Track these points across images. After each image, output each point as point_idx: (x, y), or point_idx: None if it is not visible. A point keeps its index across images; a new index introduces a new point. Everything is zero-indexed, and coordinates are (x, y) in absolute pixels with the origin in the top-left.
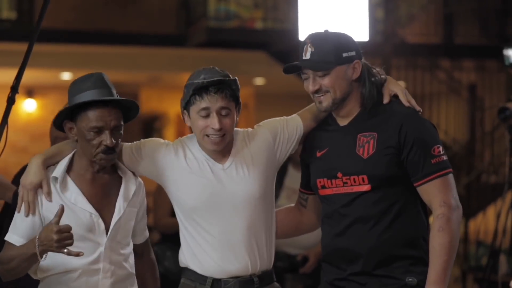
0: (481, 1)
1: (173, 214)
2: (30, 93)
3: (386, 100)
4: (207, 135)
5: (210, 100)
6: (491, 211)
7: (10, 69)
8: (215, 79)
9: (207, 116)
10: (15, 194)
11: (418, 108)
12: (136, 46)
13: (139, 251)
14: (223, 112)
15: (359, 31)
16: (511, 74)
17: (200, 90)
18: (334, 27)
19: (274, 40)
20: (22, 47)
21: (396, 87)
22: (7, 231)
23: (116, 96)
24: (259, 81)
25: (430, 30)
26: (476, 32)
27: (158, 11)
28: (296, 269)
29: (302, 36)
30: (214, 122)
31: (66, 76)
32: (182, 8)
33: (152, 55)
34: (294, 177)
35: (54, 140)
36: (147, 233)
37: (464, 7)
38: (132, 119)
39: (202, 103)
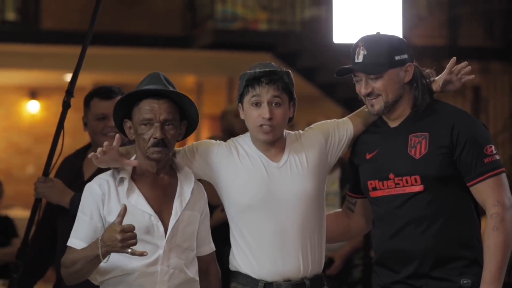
0: (485, 3)
1: None
2: (33, 95)
3: (436, 89)
4: (260, 126)
5: (261, 90)
6: None
7: (14, 70)
8: (267, 69)
9: (259, 105)
10: (73, 200)
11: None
12: (141, 48)
13: (203, 266)
14: (275, 103)
15: (392, 31)
16: None
17: (252, 81)
18: (368, 28)
19: (279, 42)
20: (27, 48)
21: (441, 77)
22: (61, 234)
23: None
24: None
25: (435, 32)
26: (481, 34)
27: (164, 12)
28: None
29: (336, 38)
30: (265, 111)
31: (70, 77)
32: (188, 9)
33: (157, 57)
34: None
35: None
36: (212, 246)
37: (469, 9)
38: (195, 125)
39: (254, 92)
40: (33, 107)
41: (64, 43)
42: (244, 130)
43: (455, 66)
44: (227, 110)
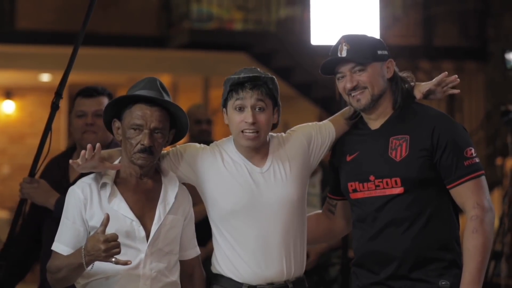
0: (460, 3)
1: None
2: (8, 95)
3: (418, 96)
4: (242, 131)
5: (245, 95)
6: None
7: None
8: (251, 75)
9: (242, 110)
10: (58, 202)
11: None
12: (117, 48)
13: (189, 269)
14: (258, 108)
15: (370, 32)
16: None
17: (236, 86)
18: (345, 29)
19: (254, 42)
20: (2, 48)
21: (427, 84)
22: (47, 236)
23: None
24: None
25: (410, 32)
26: (455, 33)
27: (140, 12)
28: None
29: (314, 40)
30: (248, 116)
31: (45, 77)
32: (163, 9)
33: (133, 57)
34: None
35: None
36: (198, 250)
37: (443, 9)
38: (184, 134)
39: (238, 97)
40: (8, 107)
41: (39, 43)
42: (201, 135)
43: (445, 79)
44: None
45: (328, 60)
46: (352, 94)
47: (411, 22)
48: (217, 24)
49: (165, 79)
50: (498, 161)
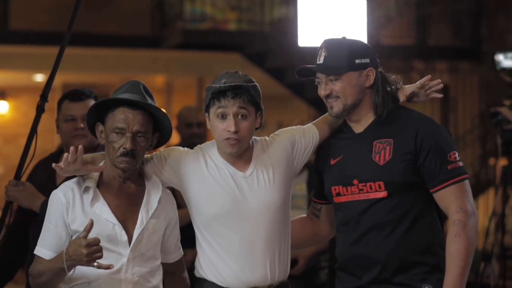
0: (454, 3)
1: None
2: (2, 95)
3: (401, 99)
4: (225, 139)
5: (227, 104)
6: None
7: None
8: (233, 84)
9: (225, 118)
10: (43, 205)
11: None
12: (110, 48)
13: (171, 269)
14: (241, 115)
15: (357, 34)
16: (503, 78)
17: (218, 94)
18: (332, 30)
19: (248, 42)
20: None
21: (410, 87)
22: (33, 238)
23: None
24: None
25: (404, 32)
26: (450, 33)
27: (133, 12)
28: None
29: (301, 42)
30: (230, 124)
31: (39, 78)
32: (157, 10)
33: (127, 57)
34: None
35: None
36: (181, 251)
37: (437, 9)
38: (168, 138)
39: (220, 105)
40: (1, 108)
41: (33, 44)
42: (193, 138)
43: (428, 82)
44: (178, 116)
45: (304, 67)
46: (328, 101)
47: (405, 22)
48: (210, 24)
49: (159, 80)
50: (491, 161)
